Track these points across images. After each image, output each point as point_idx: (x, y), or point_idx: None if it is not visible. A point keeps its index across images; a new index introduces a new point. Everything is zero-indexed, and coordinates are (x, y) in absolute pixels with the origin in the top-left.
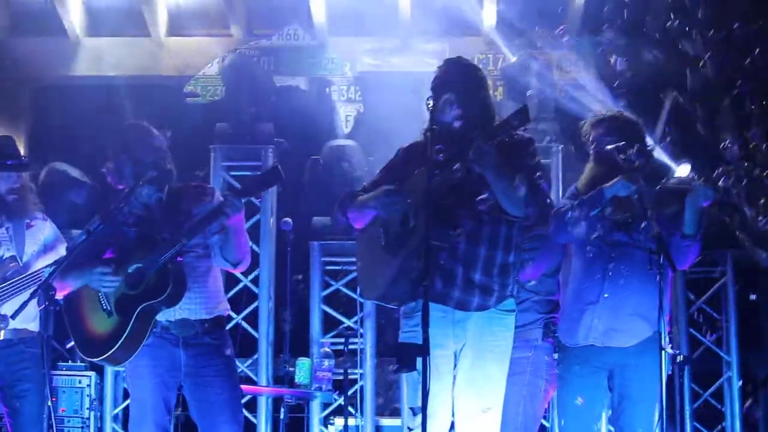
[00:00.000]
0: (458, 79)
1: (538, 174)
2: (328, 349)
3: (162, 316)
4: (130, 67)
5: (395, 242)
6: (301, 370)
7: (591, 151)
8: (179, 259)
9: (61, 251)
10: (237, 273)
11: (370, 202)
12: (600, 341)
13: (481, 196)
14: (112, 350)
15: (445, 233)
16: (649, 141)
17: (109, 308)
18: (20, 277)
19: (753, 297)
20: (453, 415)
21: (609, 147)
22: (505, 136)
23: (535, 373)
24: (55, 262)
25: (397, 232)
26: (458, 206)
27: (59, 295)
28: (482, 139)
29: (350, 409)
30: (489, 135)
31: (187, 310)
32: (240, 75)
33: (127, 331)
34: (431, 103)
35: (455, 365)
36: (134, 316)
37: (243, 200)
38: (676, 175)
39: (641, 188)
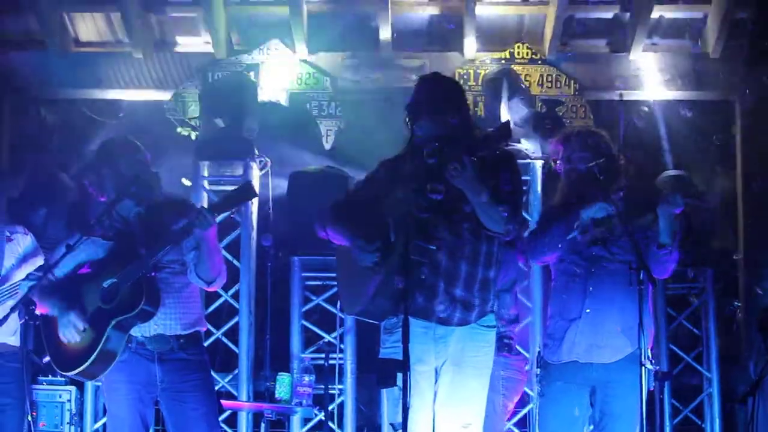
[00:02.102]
0: (436, 96)
1: (518, 189)
2: (308, 365)
3: (137, 332)
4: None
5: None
6: (282, 385)
7: (563, 168)
8: (153, 274)
9: (39, 263)
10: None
11: (346, 234)
12: (583, 357)
13: (461, 213)
14: (86, 365)
15: (426, 249)
16: (620, 156)
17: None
18: None
19: (736, 304)
20: (433, 430)
21: (588, 165)
22: (485, 152)
23: (493, 389)
24: (35, 273)
25: (377, 248)
26: (438, 222)
27: (38, 311)
28: (461, 156)
29: (330, 424)
30: (469, 151)
31: (162, 325)
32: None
33: (101, 345)
34: (410, 119)
35: (436, 381)
36: (108, 330)
37: (216, 216)
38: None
39: (619, 207)
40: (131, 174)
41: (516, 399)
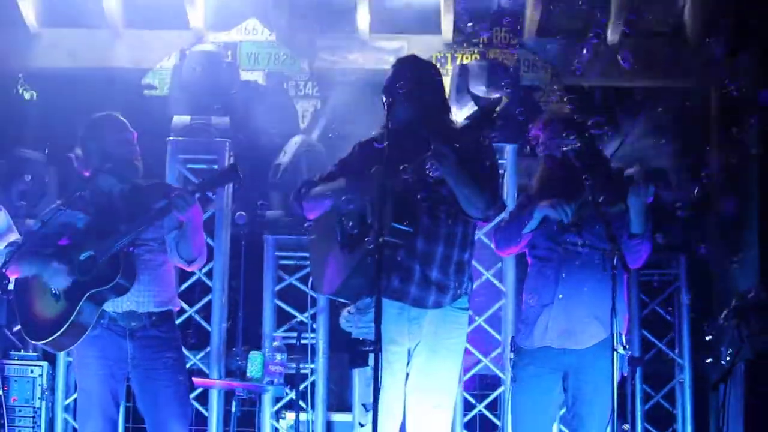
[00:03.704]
0: (412, 79)
1: (496, 175)
2: (280, 344)
3: (110, 307)
4: (87, 59)
5: (352, 239)
6: (253, 363)
7: (541, 154)
8: (131, 249)
9: (12, 239)
10: None
11: (327, 192)
12: (556, 343)
13: (439, 195)
14: (56, 335)
15: (402, 231)
16: (600, 142)
17: (57, 293)
18: None
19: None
20: (404, 411)
21: (564, 149)
22: (467, 137)
23: None
24: (9, 248)
25: (354, 229)
26: (416, 204)
27: (11, 277)
28: (441, 142)
29: (302, 403)
30: (449, 139)
31: (135, 302)
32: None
33: (73, 316)
34: (386, 101)
35: (408, 361)
36: (81, 302)
37: (197, 196)
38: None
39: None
40: (118, 152)
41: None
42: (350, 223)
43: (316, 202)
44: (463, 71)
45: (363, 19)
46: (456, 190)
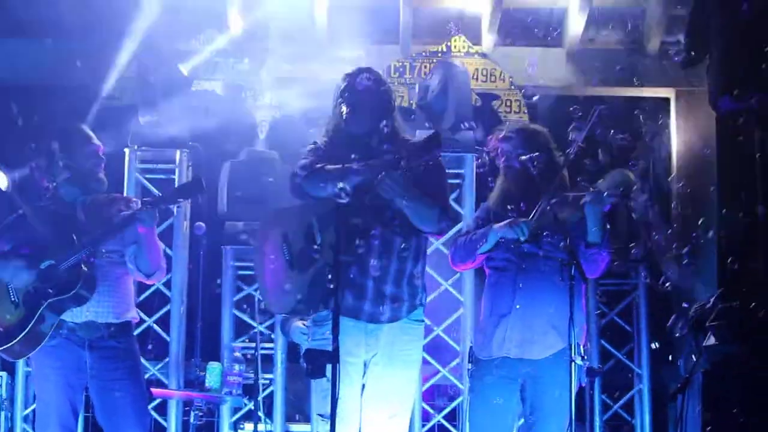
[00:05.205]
0: (374, 96)
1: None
2: (239, 354)
3: (69, 317)
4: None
5: (302, 259)
6: (212, 374)
7: (501, 166)
8: (92, 260)
9: None
10: None
11: (331, 171)
12: (513, 353)
13: (391, 209)
14: (12, 342)
15: (354, 248)
16: (557, 153)
17: (16, 300)
18: None
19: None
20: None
21: (522, 158)
22: (416, 163)
23: None
24: None
25: (303, 249)
26: (368, 221)
27: None
28: (390, 169)
29: (260, 413)
30: (397, 164)
31: (94, 312)
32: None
33: (32, 324)
34: (345, 109)
35: (364, 373)
36: (40, 311)
37: (158, 208)
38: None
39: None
40: (84, 164)
41: None
42: (297, 242)
43: (316, 180)
44: (423, 90)
45: (321, 28)
46: (407, 210)
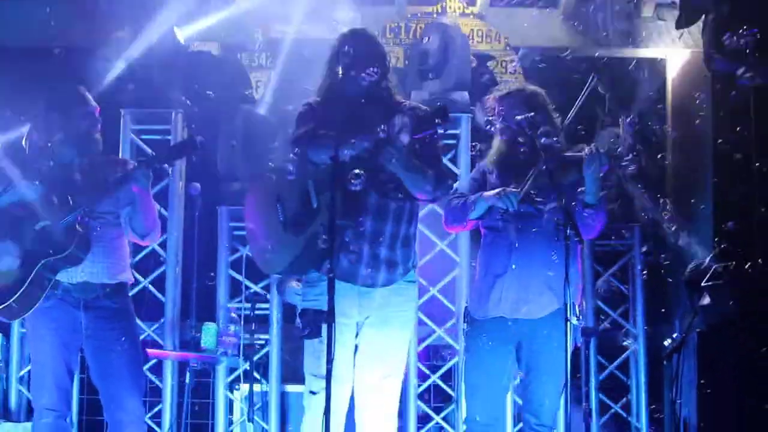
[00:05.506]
0: (370, 56)
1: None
2: (234, 315)
3: (64, 278)
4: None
5: (297, 221)
6: (207, 334)
7: (498, 126)
8: (87, 220)
9: None
10: None
11: (331, 138)
12: (509, 313)
13: (386, 172)
14: (9, 302)
15: (350, 212)
16: (555, 114)
17: (12, 260)
18: None
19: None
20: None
21: (518, 117)
22: (425, 134)
23: None
24: None
25: (298, 212)
26: (364, 185)
27: None
28: (391, 141)
29: (255, 374)
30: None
31: (89, 273)
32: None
33: (26, 284)
34: (339, 69)
35: (357, 333)
36: (35, 270)
37: (152, 167)
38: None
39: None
40: (80, 125)
41: None
42: (292, 204)
43: (319, 144)
44: (421, 55)
45: None
46: (405, 179)
